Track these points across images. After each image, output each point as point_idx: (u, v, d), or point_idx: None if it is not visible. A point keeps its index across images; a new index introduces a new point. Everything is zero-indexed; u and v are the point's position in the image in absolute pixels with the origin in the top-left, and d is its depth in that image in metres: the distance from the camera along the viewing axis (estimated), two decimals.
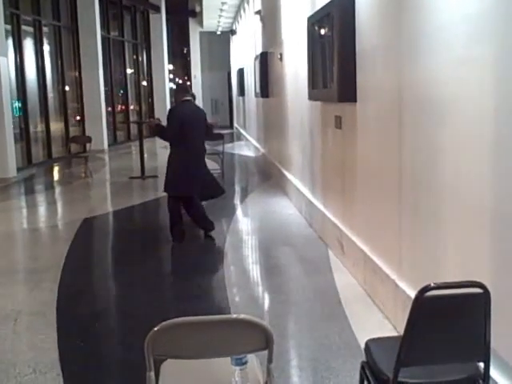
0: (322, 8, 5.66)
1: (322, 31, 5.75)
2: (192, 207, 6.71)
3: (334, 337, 3.95)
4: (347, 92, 5.01)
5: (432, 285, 2.17)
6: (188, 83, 26.31)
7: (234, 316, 2.07)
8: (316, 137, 6.86)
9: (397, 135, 4.02)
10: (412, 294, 3.74)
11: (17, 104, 13.68)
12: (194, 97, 7.02)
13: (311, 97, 6.49)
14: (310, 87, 6.46)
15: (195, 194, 6.68)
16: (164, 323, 2.17)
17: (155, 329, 2.18)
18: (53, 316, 4.50)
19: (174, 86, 31.06)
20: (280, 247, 6.43)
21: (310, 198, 7.21)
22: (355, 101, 5.00)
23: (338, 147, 5.78)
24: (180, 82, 6.98)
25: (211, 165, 11.96)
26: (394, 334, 3.94)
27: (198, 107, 6.92)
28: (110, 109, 19.14)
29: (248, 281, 5.43)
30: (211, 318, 2.21)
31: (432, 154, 3.44)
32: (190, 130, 6.40)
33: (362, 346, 3.80)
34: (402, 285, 3.94)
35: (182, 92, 6.68)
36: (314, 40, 6.20)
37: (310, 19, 6.26)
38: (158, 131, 6.72)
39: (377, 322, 4.20)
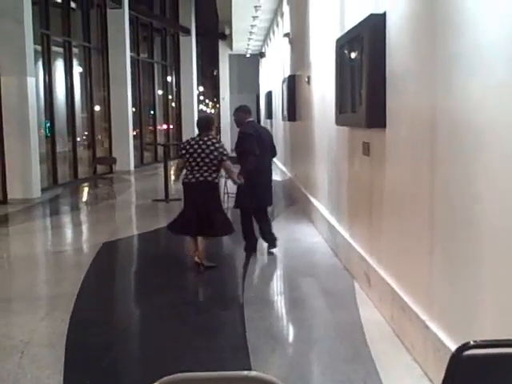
0: (351, 29, 5.43)
1: (351, 53, 5.51)
2: (264, 221, 7.14)
3: (359, 382, 3.64)
4: (376, 117, 4.75)
5: (471, 343, 1.87)
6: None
7: (245, 373, 1.80)
8: (343, 163, 6.59)
9: (429, 164, 3.74)
10: (444, 337, 3.44)
11: (48, 124, 13.79)
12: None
13: (338, 122, 6.23)
14: (337, 112, 6.22)
15: (270, 205, 7.32)
16: (164, 379, 1.91)
17: None
18: (62, 349, 4.26)
19: (205, 108, 31.17)
20: (303, 277, 6.14)
21: (335, 226, 6.92)
22: (384, 126, 4.73)
23: (365, 175, 5.50)
24: (243, 103, 6.85)
25: (235, 188, 11.78)
26: (423, 380, 3.63)
27: (264, 126, 7.39)
28: (137, 130, 19.14)
29: (268, 314, 5.13)
30: (218, 375, 1.93)
31: (469, 185, 3.15)
32: (260, 149, 6.70)
33: None
34: (433, 326, 3.63)
35: (247, 113, 6.95)
36: (342, 63, 5.96)
37: (338, 41, 6.03)
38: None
39: (405, 365, 3.88)
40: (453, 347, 3.25)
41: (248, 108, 6.97)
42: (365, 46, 4.83)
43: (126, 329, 4.90)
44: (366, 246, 5.49)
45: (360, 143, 5.56)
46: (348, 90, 5.73)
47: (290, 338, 4.68)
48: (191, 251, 6.58)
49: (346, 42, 5.70)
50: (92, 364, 4.11)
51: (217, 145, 6.37)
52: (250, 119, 6.96)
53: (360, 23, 5.04)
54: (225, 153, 6.39)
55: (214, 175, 6.36)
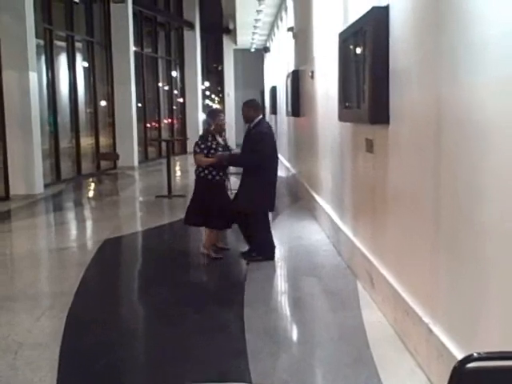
0: (353, 23, 5.30)
1: (354, 48, 5.38)
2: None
3: None
4: (379, 113, 4.62)
5: (475, 355, 1.75)
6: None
7: None
8: (346, 160, 6.46)
9: (433, 162, 3.61)
10: (448, 341, 3.32)
11: (52, 119, 13.71)
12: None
13: (341, 117, 6.10)
14: (340, 107, 6.09)
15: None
16: None
17: None
18: (56, 350, 4.17)
19: (212, 104, 30.92)
20: (306, 277, 6.02)
21: (339, 224, 6.80)
22: (388, 123, 4.61)
23: (368, 172, 5.37)
24: (252, 98, 6.74)
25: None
26: None
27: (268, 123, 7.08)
28: (141, 125, 19.03)
29: (269, 316, 5.01)
30: None
31: (475, 183, 3.02)
32: (274, 148, 6.63)
33: None
34: (437, 330, 3.51)
35: (258, 110, 6.59)
36: (345, 57, 5.83)
37: (341, 35, 5.90)
38: (235, 161, 6.67)
39: (408, 370, 3.76)
40: (456, 352, 3.14)
41: (259, 104, 6.69)
42: (367, 40, 4.69)
43: (123, 329, 4.79)
44: (369, 245, 5.37)
45: (363, 140, 5.44)
46: (351, 85, 5.60)
47: (291, 340, 4.55)
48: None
49: (348, 36, 5.57)
50: (86, 367, 4.00)
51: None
52: (261, 116, 6.58)
53: (362, 16, 4.90)
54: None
55: None
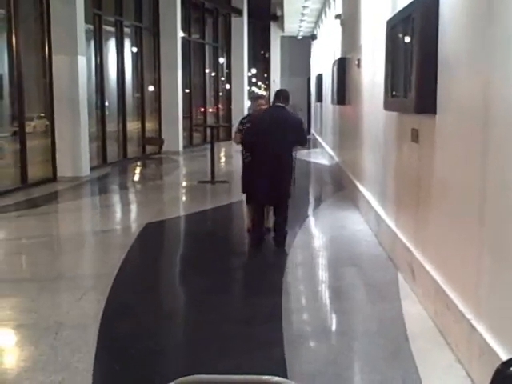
0: (402, 9, 5.16)
1: (402, 35, 5.25)
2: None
3: (398, 381, 3.46)
4: (426, 103, 4.49)
5: None
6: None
7: (265, 377, 1.66)
8: (391, 150, 6.34)
9: (481, 154, 3.50)
10: (491, 340, 3.22)
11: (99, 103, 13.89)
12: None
13: (387, 106, 5.98)
14: (385, 96, 5.96)
15: (269, 203, 6.64)
16: (182, 379, 1.79)
17: None
18: (95, 332, 4.22)
19: (257, 91, 30.90)
20: (346, 267, 5.95)
21: (381, 214, 6.69)
22: (435, 113, 4.48)
23: (413, 163, 5.25)
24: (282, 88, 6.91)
25: None
26: (467, 382, 3.43)
27: (285, 114, 6.52)
28: (187, 111, 19.12)
29: (307, 305, 4.99)
30: (237, 379, 1.80)
31: None
32: (261, 137, 6.29)
33: None
34: (479, 327, 3.41)
35: (276, 98, 6.68)
36: (392, 45, 5.70)
37: (389, 22, 5.76)
38: None
39: (448, 365, 3.67)
40: (500, 352, 3.04)
41: (280, 93, 6.63)
42: (415, 28, 4.56)
43: (161, 314, 4.82)
44: (412, 237, 5.27)
45: (409, 129, 5.32)
46: (398, 74, 5.47)
47: (328, 331, 4.50)
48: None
49: (396, 23, 5.43)
50: (123, 349, 4.04)
51: None
52: (277, 104, 6.56)
53: (411, 3, 4.77)
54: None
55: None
